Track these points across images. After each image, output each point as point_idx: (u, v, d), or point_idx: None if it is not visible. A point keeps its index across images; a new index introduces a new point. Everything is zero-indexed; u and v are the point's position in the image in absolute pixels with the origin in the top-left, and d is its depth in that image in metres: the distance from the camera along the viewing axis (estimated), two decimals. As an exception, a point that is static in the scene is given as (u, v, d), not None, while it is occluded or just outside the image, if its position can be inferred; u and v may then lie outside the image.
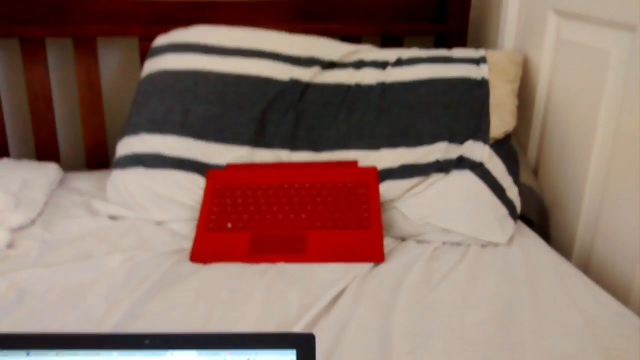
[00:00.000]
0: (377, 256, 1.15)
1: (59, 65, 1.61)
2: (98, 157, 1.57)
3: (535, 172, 1.47)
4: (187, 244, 1.20)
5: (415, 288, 1.05)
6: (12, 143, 1.62)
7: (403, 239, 1.25)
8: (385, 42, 1.63)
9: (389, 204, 1.29)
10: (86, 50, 1.52)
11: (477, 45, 1.73)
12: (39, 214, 1.28)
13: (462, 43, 1.64)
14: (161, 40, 1.48)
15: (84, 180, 1.45)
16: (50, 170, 1.42)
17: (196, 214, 1.28)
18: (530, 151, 1.48)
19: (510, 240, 1.23)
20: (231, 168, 1.32)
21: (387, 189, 1.29)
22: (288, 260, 1.14)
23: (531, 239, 1.25)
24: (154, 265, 1.10)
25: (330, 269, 1.12)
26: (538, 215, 1.39)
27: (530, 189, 1.40)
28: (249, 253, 1.15)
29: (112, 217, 1.29)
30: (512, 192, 1.30)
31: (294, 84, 1.39)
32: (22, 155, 1.63)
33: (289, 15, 1.60)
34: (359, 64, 1.44)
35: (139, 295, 1.01)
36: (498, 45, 1.59)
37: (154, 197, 1.29)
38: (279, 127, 1.36)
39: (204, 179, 1.31)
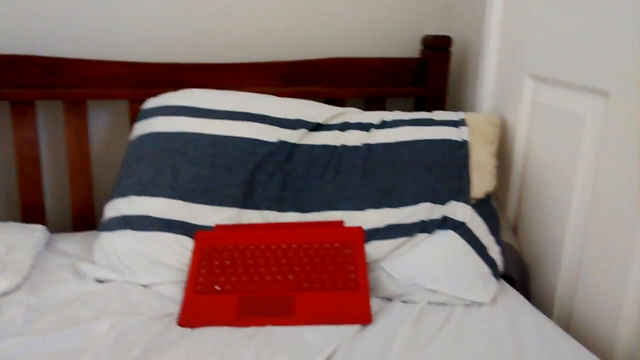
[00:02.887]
0: (364, 318, 1.16)
1: (48, 126, 1.63)
2: (85, 219, 1.57)
3: (515, 230, 1.50)
4: (176, 308, 1.20)
5: (404, 351, 1.06)
6: (-2, 205, 1.63)
7: (389, 299, 1.27)
8: (368, 104, 1.68)
9: (375, 263, 1.31)
10: (76, 113, 1.54)
11: (456, 107, 1.78)
12: (25, 278, 1.26)
13: (441, 105, 1.70)
14: (151, 103, 1.51)
15: (70, 242, 1.44)
16: (36, 232, 1.42)
17: (184, 276, 1.28)
18: (510, 210, 1.52)
19: (494, 299, 1.26)
20: (219, 229, 1.33)
21: (373, 249, 1.31)
22: (276, 323, 1.15)
23: (514, 298, 1.27)
24: (142, 330, 1.10)
25: (319, 331, 1.12)
26: (519, 273, 1.42)
27: (511, 247, 1.43)
28: (238, 316, 1.16)
29: (100, 281, 1.28)
30: (494, 251, 1.33)
31: (282, 145, 1.43)
32: (7, 217, 1.63)
33: (276, 79, 1.64)
34: (345, 126, 1.48)
35: (127, 362, 1.00)
36: (476, 108, 1.65)
37: (142, 260, 1.30)
38: (267, 188, 1.38)
39: (192, 241, 1.32)
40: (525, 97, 1.46)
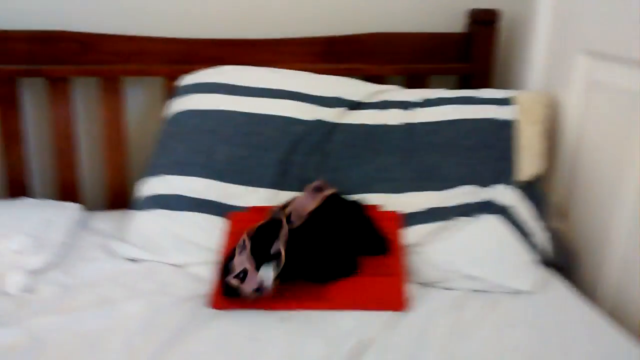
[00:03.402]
0: (397, 305, 1.13)
1: (84, 104, 1.62)
2: (120, 197, 1.57)
3: (564, 216, 1.43)
4: (207, 289, 1.18)
5: (442, 339, 1.03)
6: (35, 182, 1.63)
7: (428, 285, 1.22)
8: (410, 82, 1.61)
9: (413, 248, 1.26)
10: (111, 90, 1.53)
11: (504, 85, 1.70)
12: (59, 256, 1.27)
13: (488, 83, 1.62)
14: (187, 80, 1.48)
15: (105, 221, 1.44)
16: (71, 211, 1.42)
17: (217, 257, 1.26)
18: (559, 194, 1.45)
19: (538, 287, 1.20)
20: (254, 210, 1.30)
21: (412, 233, 1.27)
22: (310, 307, 1.12)
23: (560, 287, 1.22)
24: (173, 311, 1.09)
25: (353, 316, 1.09)
26: (567, 261, 1.35)
27: (559, 234, 1.36)
28: (271, 299, 1.13)
29: (132, 260, 1.27)
30: (540, 237, 1.27)
31: (319, 124, 1.38)
32: (44, 195, 1.64)
33: (314, 56, 1.59)
34: (384, 105, 1.43)
35: (158, 344, 0.99)
36: (525, 86, 1.57)
37: (174, 239, 1.28)
38: (303, 169, 1.34)
39: (225, 221, 1.29)
40: (579, 74, 1.37)
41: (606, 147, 1.28)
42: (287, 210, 1.23)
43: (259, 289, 1.08)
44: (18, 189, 1.54)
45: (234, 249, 1.18)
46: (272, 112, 1.39)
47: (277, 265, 1.10)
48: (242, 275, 1.08)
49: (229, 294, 1.09)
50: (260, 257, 1.13)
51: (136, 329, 1.03)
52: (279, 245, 1.13)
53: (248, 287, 1.08)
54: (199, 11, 1.61)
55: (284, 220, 1.19)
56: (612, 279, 1.26)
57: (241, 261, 1.12)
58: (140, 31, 1.58)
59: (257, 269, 1.10)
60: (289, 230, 1.20)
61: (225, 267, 1.15)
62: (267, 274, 1.09)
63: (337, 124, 1.40)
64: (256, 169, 1.34)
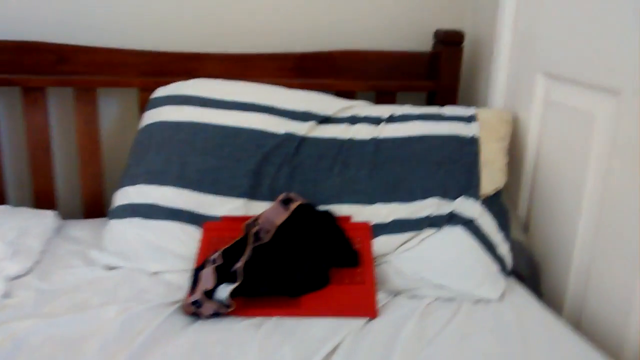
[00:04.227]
0: (370, 312, 1.16)
1: (59, 113, 1.64)
2: (95, 206, 1.58)
3: (526, 227, 1.50)
4: (182, 296, 1.20)
5: (409, 345, 1.06)
6: (10, 190, 1.63)
7: (396, 294, 1.27)
8: (379, 98, 1.67)
9: (382, 258, 1.31)
10: (86, 100, 1.54)
11: (468, 102, 1.78)
12: (36, 263, 1.28)
13: (453, 100, 1.69)
14: (160, 92, 1.51)
15: (81, 229, 1.46)
16: (47, 218, 1.43)
17: (191, 265, 1.29)
18: (521, 207, 1.52)
19: (502, 296, 1.25)
20: (227, 220, 1.34)
21: (380, 243, 1.32)
22: (282, 314, 1.15)
23: (522, 295, 1.27)
24: (149, 317, 1.11)
25: (324, 323, 1.13)
26: (529, 270, 1.42)
27: (521, 244, 1.42)
28: (243, 306, 1.16)
29: (108, 267, 1.29)
30: (503, 248, 1.33)
31: (290, 137, 1.43)
32: (19, 203, 1.64)
33: (286, 71, 1.64)
34: (354, 120, 1.48)
35: (134, 349, 1.01)
36: (488, 104, 1.64)
37: (150, 248, 1.31)
38: (275, 180, 1.38)
39: (200, 230, 1.33)
40: (538, 94, 1.45)
41: (563, 162, 1.36)
42: (257, 225, 1.27)
43: (216, 313, 1.12)
44: (-8, 197, 1.54)
45: (206, 260, 1.22)
46: (244, 125, 1.43)
47: (235, 283, 1.14)
48: (198, 305, 1.12)
49: (194, 305, 1.13)
50: (224, 274, 1.17)
51: (112, 335, 1.05)
52: (239, 264, 1.17)
53: (204, 313, 1.12)
54: (173, 25, 1.64)
55: (250, 238, 1.23)
56: (573, 288, 1.32)
57: (206, 274, 1.17)
58: (115, 43, 1.60)
59: (217, 285, 1.15)
60: (259, 245, 1.24)
61: (195, 277, 1.19)
62: (223, 294, 1.13)
63: (307, 137, 1.44)
64: (229, 180, 1.37)
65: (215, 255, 1.21)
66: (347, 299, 1.19)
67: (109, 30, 1.61)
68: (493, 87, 1.61)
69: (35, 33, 1.57)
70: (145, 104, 1.53)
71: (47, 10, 1.57)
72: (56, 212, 1.50)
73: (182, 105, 1.46)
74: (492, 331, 1.12)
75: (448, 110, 1.51)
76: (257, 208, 1.36)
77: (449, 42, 1.66)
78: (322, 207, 1.36)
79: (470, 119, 1.47)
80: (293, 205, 1.30)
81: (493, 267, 1.29)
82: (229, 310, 1.13)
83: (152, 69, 1.58)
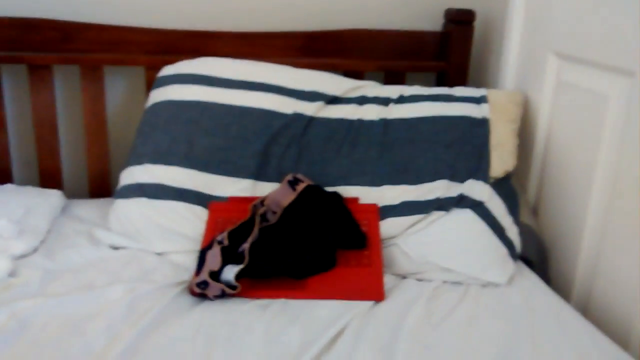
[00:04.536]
0: (377, 295, 1.16)
1: (65, 92, 1.63)
2: (101, 185, 1.58)
3: (535, 211, 1.48)
4: (188, 276, 1.20)
5: (415, 328, 1.06)
6: (16, 168, 1.63)
7: (403, 277, 1.26)
8: (388, 78, 1.65)
9: (389, 240, 1.30)
10: (93, 78, 1.53)
11: (478, 83, 1.75)
12: (42, 242, 1.28)
13: (463, 81, 1.67)
14: (167, 70, 1.49)
15: (86, 208, 1.45)
16: (53, 198, 1.43)
17: (198, 245, 1.28)
18: (530, 191, 1.50)
19: (510, 280, 1.24)
20: (233, 201, 1.33)
21: (388, 225, 1.30)
22: (289, 296, 1.15)
23: (531, 280, 1.26)
24: (155, 298, 1.11)
25: (331, 306, 1.12)
26: (538, 255, 1.40)
27: (530, 228, 1.41)
28: (250, 288, 1.16)
29: (114, 247, 1.29)
30: (512, 232, 1.32)
31: (298, 117, 1.41)
32: (25, 181, 1.64)
33: (294, 50, 1.62)
34: (362, 100, 1.46)
35: (140, 329, 1.01)
36: (498, 85, 1.62)
37: (156, 228, 1.30)
38: (282, 160, 1.37)
39: (206, 211, 1.32)
40: (549, 74, 1.43)
41: (575, 145, 1.34)
42: (264, 206, 1.26)
43: (222, 294, 1.11)
44: (-2, 175, 1.54)
45: (213, 241, 1.21)
46: (252, 104, 1.42)
47: (242, 264, 1.14)
48: (204, 286, 1.11)
49: (199, 286, 1.12)
50: (230, 256, 1.17)
51: (118, 314, 1.05)
52: (246, 245, 1.16)
53: (210, 294, 1.11)
54: (181, 2, 1.62)
55: (257, 220, 1.23)
56: (582, 273, 1.31)
57: (213, 255, 1.16)
58: (121, 21, 1.59)
59: (223, 266, 1.14)
60: (266, 226, 1.23)
61: (201, 257, 1.18)
62: (230, 275, 1.13)
63: (316, 117, 1.42)
64: (236, 160, 1.36)
65: (222, 236, 1.21)
66: (354, 282, 1.18)
67: (115, 7, 1.59)
68: (504, 67, 1.59)
69: (41, 10, 1.55)
70: (152, 83, 1.52)
71: (52, -13, 1.55)
72: (62, 191, 1.50)
73: (189, 84, 1.45)
74: (499, 315, 1.12)
75: (458, 91, 1.49)
76: (264, 189, 1.35)
77: (460, 21, 1.64)
78: (330, 189, 1.35)
79: (480, 100, 1.45)
80: (300, 187, 1.29)
81: (501, 250, 1.28)
82: (235, 291, 1.12)
83: (159, 47, 1.57)
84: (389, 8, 1.72)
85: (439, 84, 1.70)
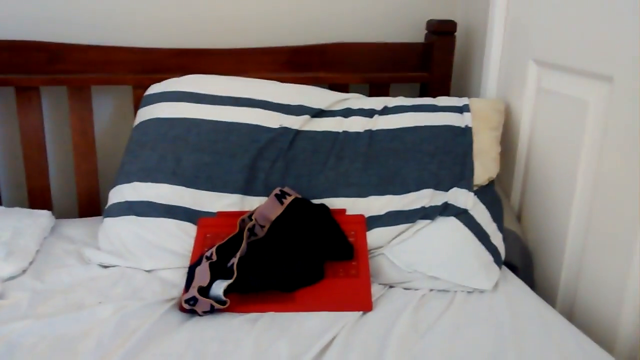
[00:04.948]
0: (365, 305, 1.17)
1: (53, 112, 1.64)
2: (90, 204, 1.58)
3: (519, 217, 1.50)
4: (178, 293, 1.21)
5: (403, 337, 1.07)
6: (4, 190, 1.64)
7: (390, 286, 1.27)
8: (372, 90, 1.67)
9: (376, 250, 1.31)
10: (80, 99, 1.54)
11: (461, 92, 1.77)
12: (31, 263, 1.28)
13: (446, 91, 1.69)
14: (154, 89, 1.51)
15: (76, 228, 1.46)
16: (42, 218, 1.43)
17: (187, 262, 1.29)
18: (514, 197, 1.52)
19: (496, 286, 1.26)
20: (222, 216, 1.34)
21: (375, 236, 1.32)
22: (277, 309, 1.16)
23: (516, 285, 1.27)
24: (144, 315, 1.11)
25: (319, 317, 1.13)
26: (522, 260, 1.42)
27: (514, 234, 1.42)
28: (239, 302, 1.17)
29: (104, 266, 1.30)
30: (497, 238, 1.33)
31: (284, 131, 1.43)
32: (14, 202, 1.65)
33: (280, 65, 1.64)
34: (347, 112, 1.48)
35: (129, 347, 1.01)
36: (481, 93, 1.64)
37: (145, 245, 1.31)
38: (269, 174, 1.39)
39: (195, 227, 1.33)
40: (530, 82, 1.45)
41: (556, 150, 1.36)
42: (252, 220, 1.27)
43: (212, 310, 1.12)
44: (-13, 197, 1.55)
45: (201, 256, 1.22)
46: (238, 120, 1.43)
47: (230, 279, 1.15)
48: (193, 302, 1.12)
49: (188, 302, 1.13)
50: (218, 271, 1.18)
51: (108, 333, 1.05)
52: (234, 260, 1.18)
53: (199, 310, 1.12)
54: (165, 21, 1.64)
55: (245, 234, 1.24)
56: (566, 278, 1.33)
57: (201, 271, 1.17)
58: (107, 41, 1.60)
59: (212, 282, 1.15)
60: (254, 241, 1.24)
61: (190, 273, 1.19)
62: (218, 291, 1.13)
63: (302, 131, 1.44)
64: (223, 175, 1.38)
65: (210, 251, 1.22)
66: (342, 293, 1.19)
67: (101, 27, 1.61)
68: (485, 76, 1.61)
69: (27, 32, 1.56)
70: (139, 101, 1.53)
71: (37, 9, 1.57)
72: (51, 211, 1.51)
73: (175, 101, 1.46)
74: (485, 322, 1.13)
75: (441, 100, 1.51)
76: (252, 203, 1.36)
77: (442, 32, 1.66)
78: (317, 201, 1.36)
79: (462, 109, 1.47)
80: (288, 200, 1.30)
81: (486, 257, 1.29)
82: (224, 306, 1.13)
83: (145, 66, 1.58)
84: (372, 21, 1.74)
85: (423, 94, 1.72)
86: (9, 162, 1.64)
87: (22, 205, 1.57)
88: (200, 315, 1.13)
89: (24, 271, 1.25)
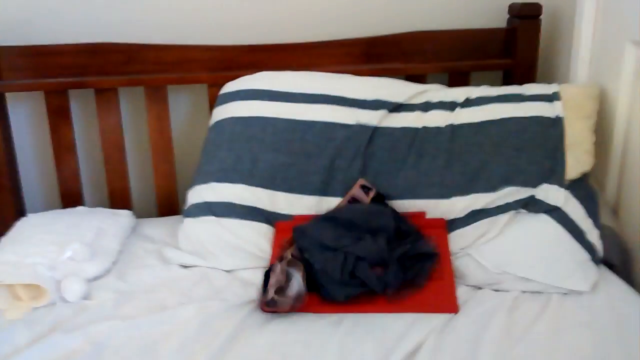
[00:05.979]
0: (451, 307, 1.12)
1: (131, 113, 1.66)
2: (169, 204, 1.60)
3: (615, 212, 1.40)
4: (258, 294, 1.19)
5: (496, 342, 1.02)
6: (86, 191, 1.67)
7: (478, 288, 1.21)
8: (452, 79, 1.60)
9: (462, 251, 1.25)
10: (157, 98, 1.55)
11: (548, 79, 1.67)
12: (114, 263, 1.30)
13: (532, 77, 1.60)
14: (228, 87, 1.50)
15: (155, 228, 1.47)
16: (123, 218, 1.45)
17: (266, 263, 1.27)
18: (609, 190, 1.42)
19: (594, 287, 1.17)
20: (298, 220, 1.31)
21: (457, 236, 1.27)
22: (361, 310, 1.12)
23: (616, 285, 1.19)
24: (226, 316, 1.10)
25: (404, 320, 1.09)
26: (620, 258, 1.32)
27: (611, 230, 1.33)
28: (321, 303, 1.14)
29: (184, 266, 1.30)
30: (593, 235, 1.25)
31: (361, 128, 1.38)
32: (96, 203, 1.68)
33: (354, 57, 1.60)
34: (427, 106, 1.42)
35: (214, 349, 1.01)
36: (570, 78, 1.54)
37: (225, 246, 1.30)
38: (347, 174, 1.35)
39: (272, 228, 1.31)
40: (627, 66, 1.34)
41: (658, 140, 1.26)
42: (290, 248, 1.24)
43: (293, 307, 1.10)
44: (70, 198, 1.58)
45: (279, 258, 1.20)
46: (313, 117, 1.40)
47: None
48: (273, 304, 1.10)
49: (268, 305, 1.11)
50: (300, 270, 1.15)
51: (191, 334, 1.05)
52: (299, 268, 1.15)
53: (281, 309, 1.10)
54: (238, 18, 1.63)
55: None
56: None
57: (279, 272, 1.14)
58: (181, 40, 1.61)
59: (290, 281, 1.13)
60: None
61: (266, 276, 1.17)
62: (297, 288, 1.11)
63: (379, 127, 1.39)
64: (300, 177, 1.35)
65: (288, 252, 1.19)
66: (426, 295, 1.15)
67: (174, 27, 1.61)
68: (576, 60, 1.51)
69: (104, 34, 1.59)
70: (214, 99, 1.53)
71: (114, 12, 1.59)
72: (131, 211, 1.53)
73: (250, 100, 1.45)
74: (586, 326, 1.06)
75: (528, 89, 1.43)
76: (330, 204, 1.33)
77: (525, 15, 1.57)
78: (397, 202, 1.31)
79: (552, 98, 1.38)
80: (370, 194, 1.28)
81: (583, 255, 1.21)
82: (302, 303, 1.10)
83: (219, 64, 1.58)
84: (449, 7, 1.67)
85: (506, 82, 1.64)
86: (89, 163, 1.68)
87: (103, 206, 1.59)
88: (282, 315, 1.10)
89: (108, 271, 1.27)
